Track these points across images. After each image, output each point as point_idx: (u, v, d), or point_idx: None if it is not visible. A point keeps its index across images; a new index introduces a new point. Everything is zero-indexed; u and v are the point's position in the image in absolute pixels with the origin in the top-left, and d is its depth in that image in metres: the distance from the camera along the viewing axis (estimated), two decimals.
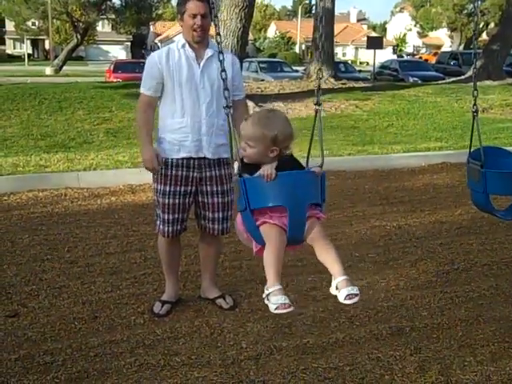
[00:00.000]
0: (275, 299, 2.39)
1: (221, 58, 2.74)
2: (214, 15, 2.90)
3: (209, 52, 3.64)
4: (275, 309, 2.39)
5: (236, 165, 2.52)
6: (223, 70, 2.69)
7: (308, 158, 2.81)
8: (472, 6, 49.77)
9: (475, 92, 3.37)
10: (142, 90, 3.71)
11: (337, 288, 2.45)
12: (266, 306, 2.45)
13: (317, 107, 2.78)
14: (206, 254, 4.03)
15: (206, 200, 3.76)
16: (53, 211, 6.01)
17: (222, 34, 10.28)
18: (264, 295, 2.45)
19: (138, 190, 6.82)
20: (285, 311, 2.40)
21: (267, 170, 2.42)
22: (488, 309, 3.99)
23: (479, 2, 3.47)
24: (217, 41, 2.80)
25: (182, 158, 3.64)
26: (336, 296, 2.46)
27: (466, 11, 51.47)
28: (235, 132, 2.59)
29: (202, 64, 3.62)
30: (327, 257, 2.49)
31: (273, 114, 2.63)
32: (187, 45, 3.62)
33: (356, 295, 2.41)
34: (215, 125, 3.65)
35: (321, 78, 2.91)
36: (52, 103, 13.03)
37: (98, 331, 3.62)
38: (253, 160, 2.52)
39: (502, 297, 4.18)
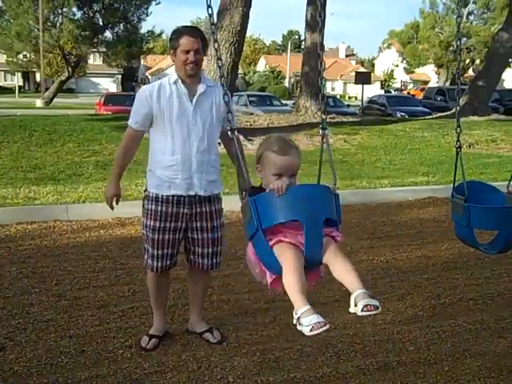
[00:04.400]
0: (307, 320, 2.20)
1: (222, 82, 2.83)
2: (215, 40, 2.79)
3: (201, 88, 3.66)
4: (310, 330, 2.18)
5: (243, 192, 2.53)
6: (225, 94, 2.77)
7: (318, 181, 2.80)
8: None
9: (458, 129, 3.46)
10: (130, 123, 3.74)
11: (355, 303, 2.28)
12: (300, 331, 2.24)
13: (323, 131, 2.88)
14: (195, 289, 4.04)
15: (196, 236, 3.77)
16: (41, 244, 6.00)
17: (212, 68, 10.44)
18: (294, 321, 2.26)
19: (127, 223, 6.83)
20: (321, 330, 2.18)
21: (277, 183, 2.37)
22: (474, 343, 4.02)
23: (461, 41, 3.58)
24: (218, 64, 2.87)
25: (173, 195, 3.66)
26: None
27: (451, 48, 52.36)
28: (241, 157, 2.73)
29: (194, 100, 3.63)
30: (344, 273, 2.37)
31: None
32: (179, 80, 3.64)
33: (376, 307, 2.23)
34: (206, 162, 3.66)
35: (324, 98, 3.02)
36: (42, 135, 13.06)
37: (85, 365, 3.61)
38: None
39: (488, 331, 4.21)
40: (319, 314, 2.22)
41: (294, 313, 2.26)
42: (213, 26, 2.78)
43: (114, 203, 3.81)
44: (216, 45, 2.74)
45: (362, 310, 2.23)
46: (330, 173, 2.65)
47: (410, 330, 4.20)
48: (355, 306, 2.27)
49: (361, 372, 3.60)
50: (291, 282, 2.30)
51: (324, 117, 2.85)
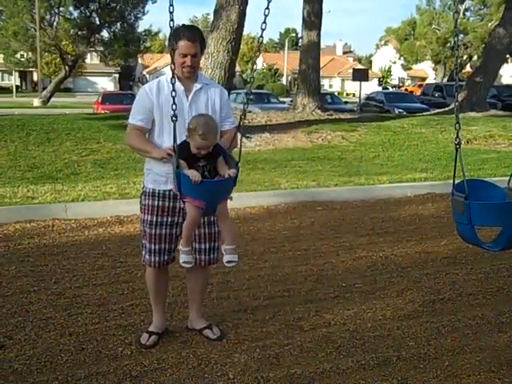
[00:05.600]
0: (183, 257, 3.53)
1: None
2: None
3: (197, 85, 3.70)
4: (182, 263, 3.55)
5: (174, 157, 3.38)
6: (175, 116, 3.40)
7: (239, 157, 3.60)
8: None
9: (457, 125, 3.43)
10: (132, 121, 3.70)
11: (225, 251, 3.54)
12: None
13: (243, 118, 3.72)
14: (194, 285, 4.04)
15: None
16: (40, 242, 6.00)
17: (209, 66, 10.46)
18: (178, 248, 3.59)
19: (126, 221, 6.82)
20: (188, 266, 3.58)
21: (195, 176, 3.29)
22: (474, 338, 4.01)
23: (458, 37, 3.57)
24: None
25: (169, 190, 3.67)
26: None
27: (449, 44, 52.39)
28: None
29: (190, 97, 3.67)
30: (225, 229, 3.58)
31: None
32: (176, 78, 3.68)
33: (234, 262, 3.55)
34: None
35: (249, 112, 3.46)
36: (40, 134, 13.05)
37: (85, 363, 3.60)
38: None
39: (488, 326, 4.21)
40: (191, 256, 3.57)
41: (180, 244, 3.55)
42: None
43: (171, 152, 3.45)
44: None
45: (226, 262, 3.55)
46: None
47: (409, 325, 4.19)
48: (224, 252, 3.55)
49: (361, 367, 3.60)
50: (186, 229, 3.52)
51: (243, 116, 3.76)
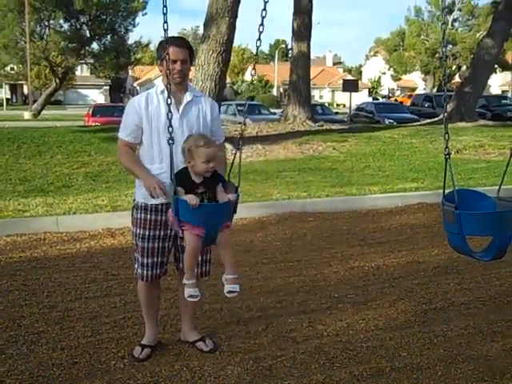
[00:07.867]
0: (188, 291, 3.45)
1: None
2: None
3: (188, 97, 3.71)
4: (188, 297, 3.46)
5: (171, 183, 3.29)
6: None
7: (239, 183, 3.53)
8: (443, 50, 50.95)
9: (446, 135, 3.46)
10: (121, 135, 3.72)
11: (226, 281, 3.45)
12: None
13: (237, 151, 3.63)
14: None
15: (185, 244, 3.77)
16: (31, 256, 5.97)
17: (199, 78, 10.51)
18: (183, 282, 3.47)
19: (118, 233, 6.81)
20: (194, 300, 3.51)
21: (192, 199, 3.22)
22: (466, 348, 4.03)
23: (446, 48, 3.60)
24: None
25: (162, 204, 3.66)
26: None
27: (438, 55, 52.73)
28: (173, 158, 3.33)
29: (180, 109, 3.67)
30: (226, 258, 3.46)
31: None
32: (166, 90, 3.69)
33: (235, 292, 3.44)
34: None
35: (245, 125, 3.90)
36: (30, 147, 13.02)
37: (78, 377, 3.58)
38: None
39: (480, 336, 4.23)
40: (197, 288, 3.47)
41: (185, 278, 3.45)
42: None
43: (159, 191, 3.45)
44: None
45: (227, 292, 3.45)
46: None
47: (402, 335, 4.20)
48: (225, 281, 3.45)
49: (354, 378, 3.60)
50: (188, 260, 3.44)
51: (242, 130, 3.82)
